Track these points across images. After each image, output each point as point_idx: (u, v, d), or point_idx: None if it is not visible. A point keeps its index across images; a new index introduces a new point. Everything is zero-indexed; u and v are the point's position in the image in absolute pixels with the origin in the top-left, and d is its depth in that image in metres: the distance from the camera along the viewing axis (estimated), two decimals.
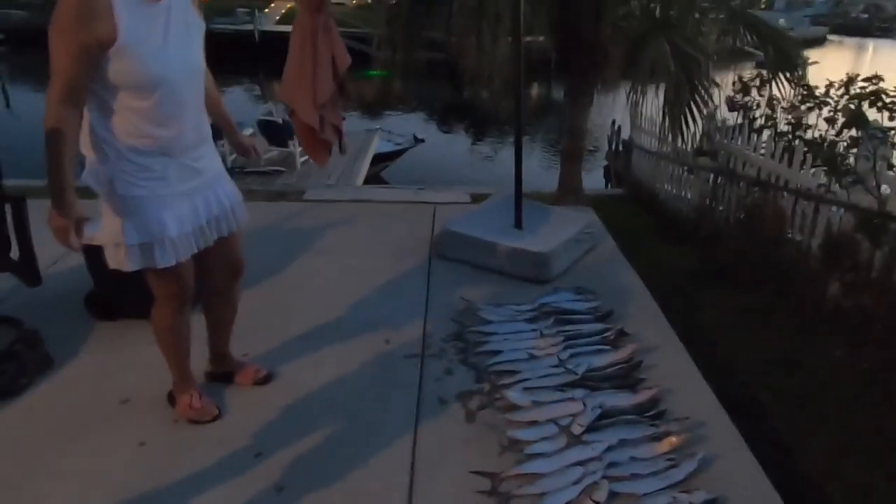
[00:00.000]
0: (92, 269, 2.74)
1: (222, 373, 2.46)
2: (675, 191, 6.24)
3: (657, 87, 5.25)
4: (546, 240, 3.53)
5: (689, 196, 5.85)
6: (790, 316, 3.81)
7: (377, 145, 10.13)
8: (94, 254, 2.43)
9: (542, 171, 9.94)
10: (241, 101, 15.29)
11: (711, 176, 5.36)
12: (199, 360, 2.39)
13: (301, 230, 4.12)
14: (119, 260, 1.93)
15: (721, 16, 5.70)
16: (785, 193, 4.57)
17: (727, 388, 2.71)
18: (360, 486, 2.02)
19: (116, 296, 2.78)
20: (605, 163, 9.77)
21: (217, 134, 2.41)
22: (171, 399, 2.30)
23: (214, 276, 2.24)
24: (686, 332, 3.04)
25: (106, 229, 1.93)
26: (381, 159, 10.08)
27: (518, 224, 3.74)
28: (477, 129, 14.21)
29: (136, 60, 1.73)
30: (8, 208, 2.45)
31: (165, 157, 1.90)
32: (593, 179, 8.84)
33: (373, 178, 9.52)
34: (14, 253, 2.53)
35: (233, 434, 2.21)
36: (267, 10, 26.78)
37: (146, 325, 2.19)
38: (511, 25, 3.90)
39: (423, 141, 11.07)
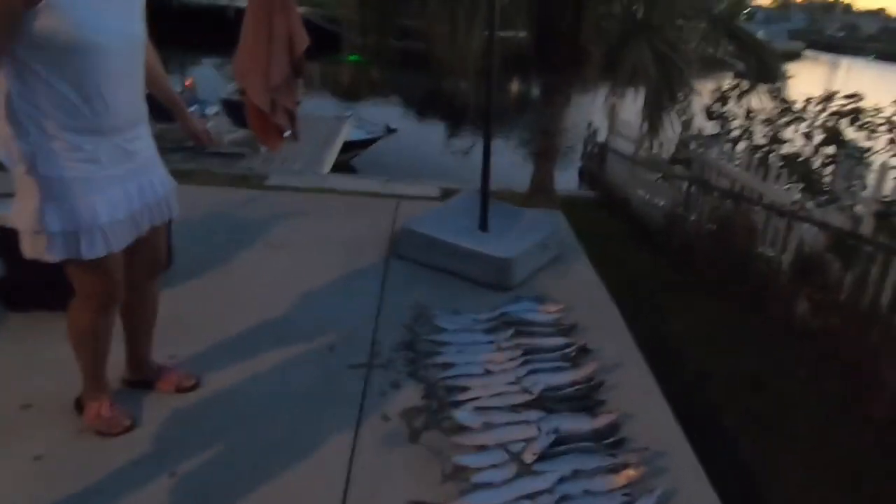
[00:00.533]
0: (2, 252, 2.46)
1: (141, 380, 2.22)
2: (648, 197, 6.13)
3: (636, 91, 5.12)
4: (511, 244, 3.34)
5: (661, 203, 5.75)
6: (760, 331, 3.73)
7: (348, 133, 9.85)
8: (4, 235, 2.16)
9: (515, 168, 9.77)
10: (211, 80, 14.80)
11: (685, 184, 5.26)
12: (116, 362, 2.13)
13: (256, 219, 3.85)
14: (38, 249, 1.71)
15: (703, 24, 5.60)
16: (758, 207, 4.48)
17: (693, 407, 2.59)
18: None
19: (30, 283, 2.49)
20: (581, 164, 9.67)
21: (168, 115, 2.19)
22: (79, 406, 2.05)
23: (135, 270, 2.00)
24: (653, 345, 2.91)
25: (23, 213, 1.69)
26: (350, 147, 9.80)
27: (483, 226, 3.55)
28: (452, 120, 13.97)
29: (67, 21, 1.54)
30: None
31: (97, 136, 1.71)
32: (567, 179, 8.72)
33: (342, 166, 9.25)
34: None
35: (145, 449, 1.97)
36: None
37: (62, 317, 1.94)
38: (487, 15, 3.69)
39: (395, 131, 10.81)
